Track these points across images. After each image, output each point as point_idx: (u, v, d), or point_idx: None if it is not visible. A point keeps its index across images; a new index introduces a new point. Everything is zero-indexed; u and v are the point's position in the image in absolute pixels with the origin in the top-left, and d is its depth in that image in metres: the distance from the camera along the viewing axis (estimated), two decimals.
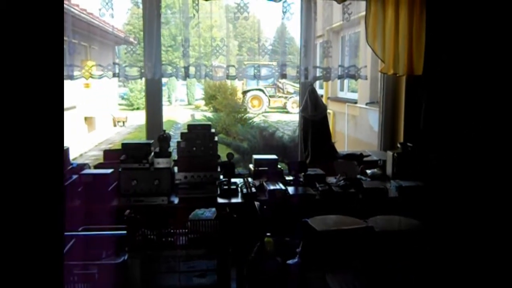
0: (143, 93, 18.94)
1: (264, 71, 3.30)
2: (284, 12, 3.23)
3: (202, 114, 10.42)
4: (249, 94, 16.23)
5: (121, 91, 18.10)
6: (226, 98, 11.01)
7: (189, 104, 19.46)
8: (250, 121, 8.48)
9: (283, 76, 3.33)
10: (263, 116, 13.56)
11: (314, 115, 3.32)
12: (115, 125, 13.37)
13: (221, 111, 9.87)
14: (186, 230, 2.45)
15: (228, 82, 11.91)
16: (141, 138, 10.05)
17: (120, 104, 16.11)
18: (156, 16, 3.11)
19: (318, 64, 3.35)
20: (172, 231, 2.44)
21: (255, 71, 3.27)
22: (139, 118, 15.07)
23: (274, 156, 3.18)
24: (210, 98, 13.38)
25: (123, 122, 13.57)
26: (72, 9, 3.34)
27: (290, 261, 2.37)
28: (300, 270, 2.35)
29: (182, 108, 17.49)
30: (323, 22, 3.43)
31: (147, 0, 3.05)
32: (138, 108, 17.55)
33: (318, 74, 3.33)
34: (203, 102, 16.99)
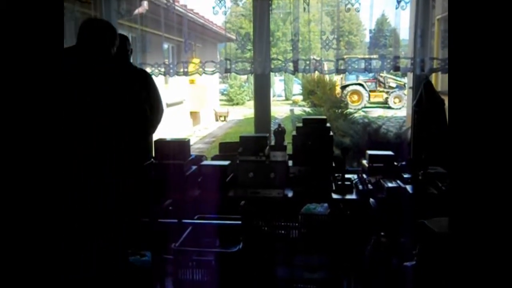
0: (242, 89, 19.51)
1: (374, 64, 3.18)
2: (398, 2, 3.08)
3: (301, 109, 10.39)
4: (348, 89, 15.82)
5: (221, 87, 18.87)
6: (325, 93, 10.84)
7: (287, 99, 19.59)
8: (351, 116, 8.22)
9: (396, 68, 3.19)
10: (363, 111, 13.12)
11: (430, 110, 3.11)
12: (217, 120, 13.96)
13: (321, 106, 9.72)
14: (298, 224, 2.45)
15: (327, 76, 11.72)
16: (242, 132, 10.33)
17: (220, 100, 16.78)
18: (267, 12, 3.17)
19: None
20: (284, 224, 2.46)
21: (366, 64, 3.17)
22: (238, 113, 15.58)
23: (390, 152, 3.04)
24: (308, 93, 13.29)
25: (225, 117, 14.10)
26: (188, 13, 3.53)
27: (407, 263, 2.26)
28: (417, 273, 2.22)
29: (280, 103, 17.66)
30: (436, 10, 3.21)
31: None
32: (237, 104, 18.14)
33: (435, 66, 3.12)
34: (300, 97, 16.98)
